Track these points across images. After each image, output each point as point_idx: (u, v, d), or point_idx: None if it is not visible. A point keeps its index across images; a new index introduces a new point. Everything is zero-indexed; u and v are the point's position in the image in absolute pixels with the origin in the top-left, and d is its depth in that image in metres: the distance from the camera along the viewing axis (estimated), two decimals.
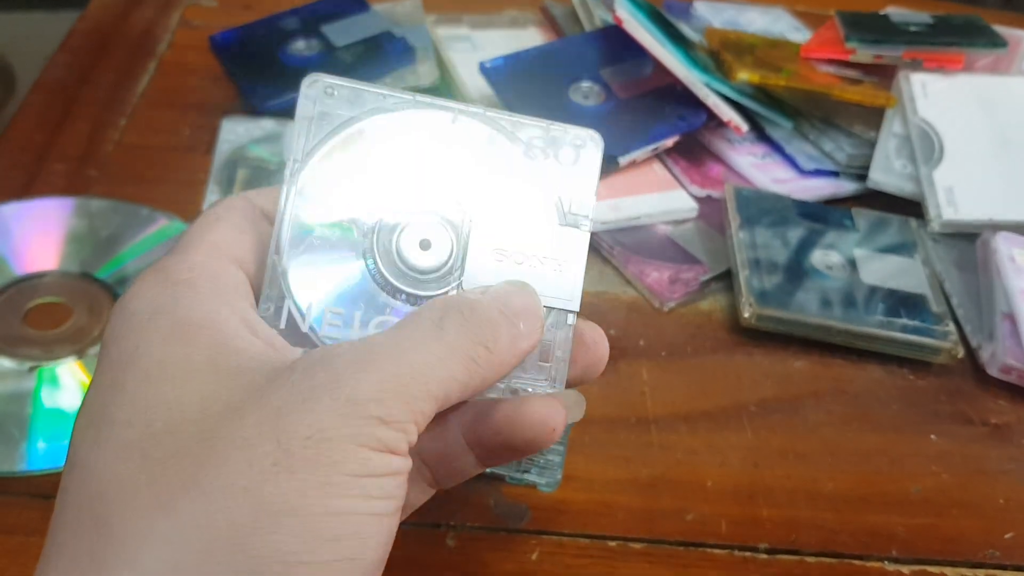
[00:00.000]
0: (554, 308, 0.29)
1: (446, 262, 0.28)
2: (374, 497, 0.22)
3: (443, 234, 0.28)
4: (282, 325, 0.27)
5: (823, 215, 0.54)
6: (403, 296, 0.28)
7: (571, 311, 0.29)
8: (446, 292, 0.28)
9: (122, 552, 0.20)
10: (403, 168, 0.28)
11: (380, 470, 0.22)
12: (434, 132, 0.29)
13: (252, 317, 0.26)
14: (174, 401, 0.22)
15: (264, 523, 0.20)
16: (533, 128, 0.29)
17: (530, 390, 0.28)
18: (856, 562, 0.38)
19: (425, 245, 0.28)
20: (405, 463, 0.23)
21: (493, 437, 0.27)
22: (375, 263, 0.28)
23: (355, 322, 0.28)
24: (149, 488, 0.21)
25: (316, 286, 0.28)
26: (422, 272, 0.28)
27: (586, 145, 0.29)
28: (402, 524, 0.36)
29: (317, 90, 0.28)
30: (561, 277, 0.29)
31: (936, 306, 0.49)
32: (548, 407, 0.27)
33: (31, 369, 0.41)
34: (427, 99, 0.29)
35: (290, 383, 0.22)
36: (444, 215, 0.28)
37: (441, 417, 0.28)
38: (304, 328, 0.27)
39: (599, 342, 0.29)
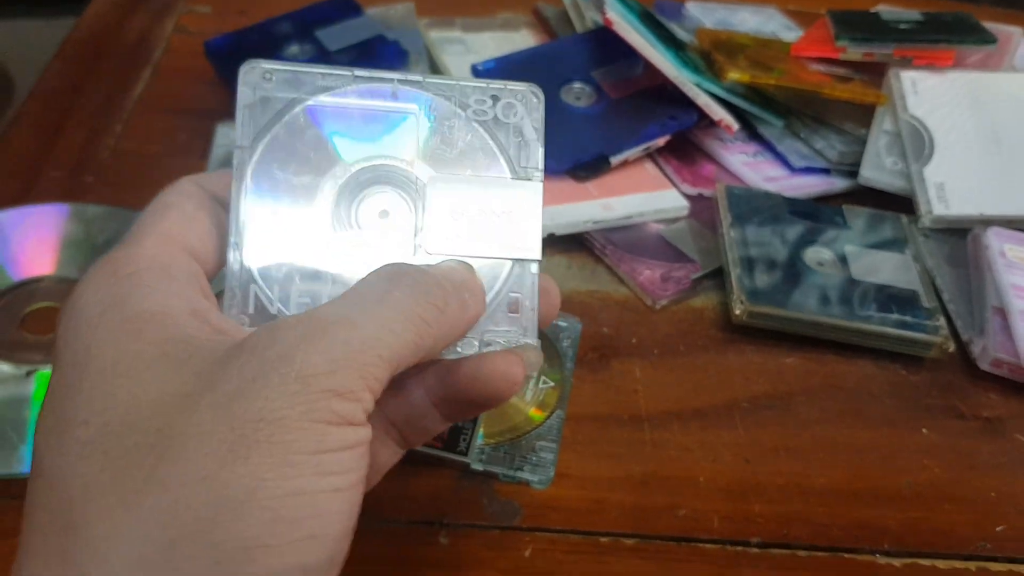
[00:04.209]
0: (516, 259, 0.29)
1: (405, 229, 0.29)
2: (332, 473, 0.22)
3: (399, 202, 0.29)
4: (250, 310, 0.27)
5: (814, 212, 0.54)
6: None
7: (533, 260, 0.30)
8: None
9: (90, 552, 0.21)
10: (351, 142, 0.29)
11: (336, 444, 0.22)
12: (377, 104, 0.29)
13: (203, 306, 0.25)
14: (129, 397, 0.22)
15: (224, 512, 0.20)
16: (473, 89, 0.30)
17: (502, 342, 0.29)
18: (847, 555, 0.38)
19: (383, 214, 0.29)
20: (363, 433, 0.23)
21: (457, 395, 0.28)
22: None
23: (323, 298, 0.28)
24: (112, 486, 0.21)
25: (279, 267, 0.28)
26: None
27: (527, 98, 0.30)
28: (394, 522, 0.36)
29: (255, 76, 0.29)
30: (518, 228, 0.29)
31: (927, 301, 0.49)
32: (508, 362, 0.28)
33: (28, 373, 0.41)
34: (365, 73, 0.29)
35: (239, 365, 0.22)
36: (398, 183, 0.29)
37: (403, 380, 0.28)
38: (272, 310, 0.28)
39: (551, 289, 0.30)
